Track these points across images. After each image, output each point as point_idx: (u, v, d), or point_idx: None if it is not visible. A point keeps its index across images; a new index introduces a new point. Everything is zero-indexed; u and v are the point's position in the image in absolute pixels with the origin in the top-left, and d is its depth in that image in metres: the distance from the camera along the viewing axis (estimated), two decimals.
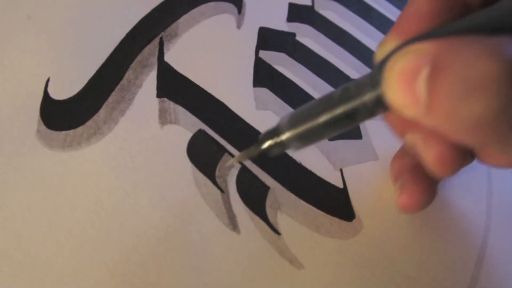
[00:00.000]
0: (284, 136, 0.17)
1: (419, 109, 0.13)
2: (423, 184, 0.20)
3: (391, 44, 0.16)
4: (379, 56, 0.17)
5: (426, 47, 0.13)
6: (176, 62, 0.23)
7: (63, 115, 0.20)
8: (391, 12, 0.31)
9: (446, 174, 0.17)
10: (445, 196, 0.23)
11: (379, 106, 0.15)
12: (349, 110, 0.15)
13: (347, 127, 0.16)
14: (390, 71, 0.14)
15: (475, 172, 0.25)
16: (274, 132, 0.17)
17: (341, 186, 0.22)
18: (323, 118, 0.16)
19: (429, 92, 0.13)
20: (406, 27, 0.16)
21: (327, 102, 0.16)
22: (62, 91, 0.21)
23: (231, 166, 0.21)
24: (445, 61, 0.13)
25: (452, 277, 0.21)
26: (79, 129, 0.20)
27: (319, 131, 0.16)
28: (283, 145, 0.17)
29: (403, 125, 0.18)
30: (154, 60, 0.23)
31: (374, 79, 0.15)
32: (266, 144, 0.17)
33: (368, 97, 0.15)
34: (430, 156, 0.16)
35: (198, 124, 0.22)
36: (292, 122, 0.16)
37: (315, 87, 0.25)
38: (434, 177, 0.20)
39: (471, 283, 0.21)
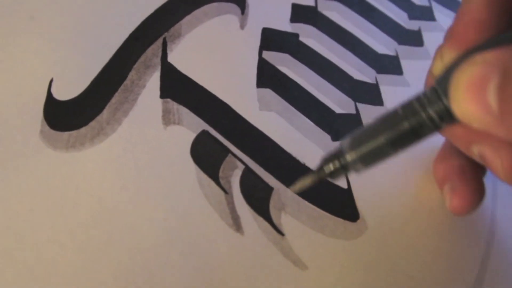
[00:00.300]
0: (348, 158, 0.16)
1: (490, 119, 0.13)
2: (473, 184, 0.20)
3: (449, 55, 0.16)
4: (436, 68, 0.16)
5: (493, 56, 0.13)
6: (179, 63, 0.23)
7: (66, 116, 0.20)
8: (393, 13, 0.31)
9: None
10: None
11: (445, 119, 0.15)
12: (415, 125, 0.15)
13: (412, 144, 0.16)
14: (458, 82, 0.14)
15: None
16: (336, 155, 0.17)
17: (345, 186, 0.22)
18: (387, 136, 0.15)
19: (500, 100, 0.13)
20: (463, 36, 0.16)
21: (390, 120, 0.15)
22: (65, 92, 0.21)
23: (294, 191, 0.20)
24: None
25: (457, 278, 0.21)
26: (83, 130, 0.20)
27: (383, 150, 0.16)
28: (346, 168, 0.16)
29: (468, 138, 0.17)
30: (158, 60, 0.23)
31: (438, 92, 0.15)
32: (329, 168, 0.17)
33: (433, 110, 0.15)
34: (503, 166, 0.16)
35: (201, 125, 0.22)
36: (355, 143, 0.16)
37: (319, 87, 0.25)
38: (481, 175, 0.20)
39: (476, 284, 0.21)
